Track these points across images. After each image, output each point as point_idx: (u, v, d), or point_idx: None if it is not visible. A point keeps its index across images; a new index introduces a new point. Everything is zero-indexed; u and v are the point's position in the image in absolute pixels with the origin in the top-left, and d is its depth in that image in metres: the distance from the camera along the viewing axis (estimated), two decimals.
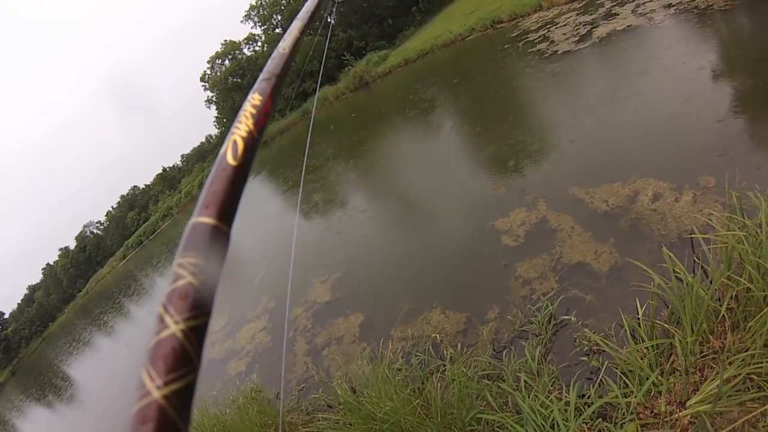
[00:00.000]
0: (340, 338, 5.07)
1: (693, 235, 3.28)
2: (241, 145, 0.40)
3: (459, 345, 3.75)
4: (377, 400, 2.87)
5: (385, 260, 6.21)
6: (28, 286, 68.20)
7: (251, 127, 0.43)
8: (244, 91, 39.46)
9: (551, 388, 2.71)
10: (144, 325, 17.05)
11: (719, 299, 2.58)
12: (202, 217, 0.34)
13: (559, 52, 8.78)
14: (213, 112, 45.30)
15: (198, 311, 0.29)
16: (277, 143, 31.35)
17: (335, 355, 4.79)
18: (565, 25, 10.33)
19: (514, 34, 12.90)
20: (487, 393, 2.71)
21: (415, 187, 8.00)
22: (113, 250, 58.36)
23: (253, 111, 0.45)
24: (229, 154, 0.39)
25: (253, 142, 0.42)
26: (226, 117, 44.22)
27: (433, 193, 7.18)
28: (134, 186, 69.98)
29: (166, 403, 0.25)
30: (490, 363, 3.20)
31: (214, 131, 52.32)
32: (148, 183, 67.62)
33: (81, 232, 67.62)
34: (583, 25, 9.42)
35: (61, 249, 66.32)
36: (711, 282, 2.57)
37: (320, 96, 29.21)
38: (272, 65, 0.54)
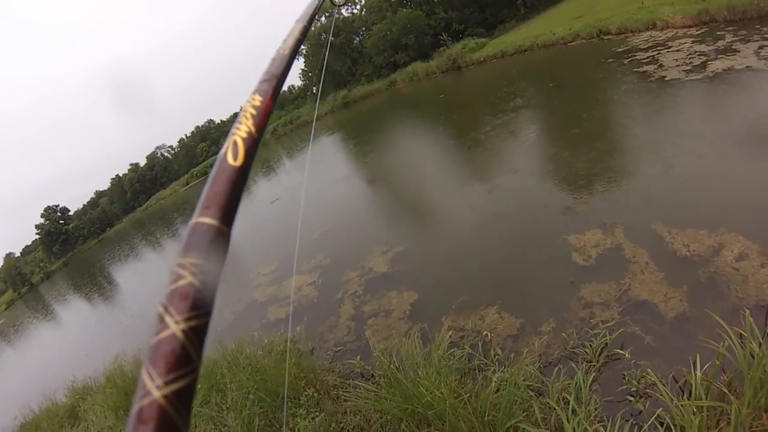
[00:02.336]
0: (389, 312, 5.17)
1: None
2: (241, 145, 0.41)
3: (508, 349, 3.78)
4: (427, 383, 2.92)
5: (451, 246, 6.24)
6: (96, 191, 72.65)
7: (251, 127, 0.43)
8: (336, 50, 39.62)
9: (593, 419, 2.72)
10: None
11: None
12: (203, 218, 0.34)
13: (666, 79, 8.38)
14: (300, 63, 45.75)
15: (198, 311, 0.29)
16: (358, 107, 31.60)
17: (380, 328, 4.90)
18: (677, 51, 9.81)
19: (620, 49, 12.38)
20: (535, 405, 2.74)
21: (491, 183, 7.94)
22: (178, 174, 61.44)
23: (254, 112, 0.45)
24: (229, 155, 0.40)
25: (253, 143, 0.42)
26: (312, 72, 44.56)
27: (510, 193, 7.13)
28: (210, 120, 72.52)
29: (166, 402, 0.25)
30: (537, 376, 3.22)
31: (297, 82, 53.02)
32: (224, 119, 69.80)
33: (153, 152, 70.99)
34: (698, 55, 8.90)
35: (131, 164, 70.14)
36: None
37: (409, 70, 29.11)
38: (273, 66, 0.55)
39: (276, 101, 0.50)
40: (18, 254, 63.00)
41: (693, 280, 3.74)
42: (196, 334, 0.28)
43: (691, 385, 2.63)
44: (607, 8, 17.49)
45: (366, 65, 37.77)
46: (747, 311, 2.86)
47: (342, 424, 3.42)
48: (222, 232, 0.34)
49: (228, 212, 0.35)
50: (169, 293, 0.29)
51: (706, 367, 2.70)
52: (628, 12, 14.72)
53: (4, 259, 56.90)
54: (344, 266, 6.74)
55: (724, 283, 3.58)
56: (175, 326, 0.28)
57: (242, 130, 0.43)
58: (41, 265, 55.56)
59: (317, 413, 3.57)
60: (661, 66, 9.23)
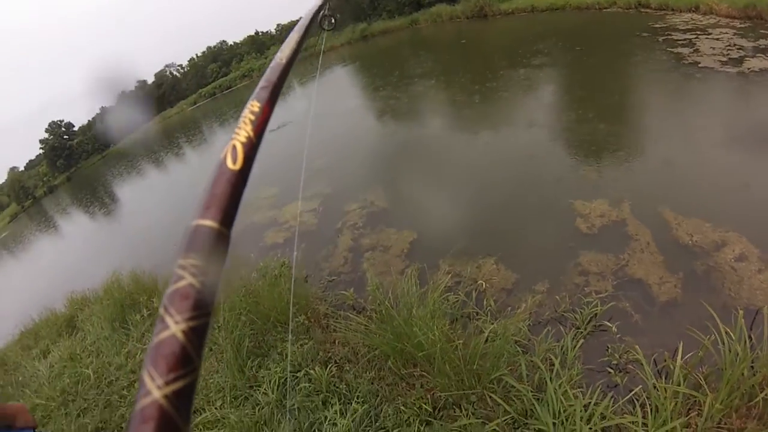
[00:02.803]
0: (387, 248, 5.23)
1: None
2: (240, 150, 0.42)
3: (501, 302, 3.87)
4: (421, 324, 2.99)
5: (455, 190, 6.28)
6: (102, 107, 70.90)
7: (250, 133, 0.44)
8: None
9: (574, 384, 2.81)
10: (193, 168, 17.76)
11: (762, 386, 2.57)
12: (204, 220, 0.35)
13: (700, 65, 8.16)
14: None
15: (199, 312, 0.29)
16: (376, 42, 30.79)
17: (377, 262, 4.97)
18: (716, 39, 9.49)
19: (657, 25, 11.99)
20: (522, 361, 2.83)
21: (502, 133, 7.90)
22: (186, 94, 60.37)
23: (252, 117, 0.46)
24: (228, 159, 0.40)
25: (252, 148, 0.43)
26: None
27: (521, 146, 7.11)
28: (223, 41, 70.29)
29: (167, 402, 0.26)
30: (525, 333, 3.31)
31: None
32: (237, 41, 67.76)
33: (161, 70, 69.14)
34: (737, 48, 8.60)
35: (139, 81, 68.32)
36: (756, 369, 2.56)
37: (433, 11, 28.18)
38: (270, 74, 0.57)
39: (273, 108, 0.51)
40: (22, 168, 62.58)
41: (690, 269, 3.79)
42: (196, 335, 0.28)
43: (671, 369, 2.71)
44: None
45: (389, 1, 36.33)
46: (740, 311, 2.92)
47: (330, 354, 3.51)
48: (222, 234, 0.34)
49: (228, 215, 0.36)
50: (170, 294, 0.30)
51: (688, 356, 2.77)
52: None
53: (8, 173, 56.76)
54: (346, 197, 6.77)
55: (720, 279, 3.62)
56: (175, 327, 0.28)
57: (241, 135, 0.44)
58: (45, 179, 55.41)
59: (306, 340, 3.67)
60: (696, 51, 8.96)
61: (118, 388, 4.11)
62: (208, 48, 69.13)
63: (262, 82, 0.54)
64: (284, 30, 60.53)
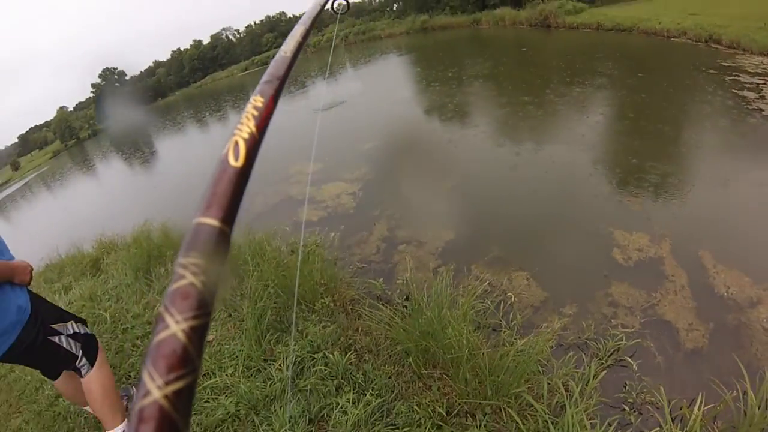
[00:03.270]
0: (421, 243, 5.28)
1: None
2: (242, 146, 0.41)
3: (527, 318, 3.90)
4: (453, 325, 3.04)
5: (496, 197, 6.34)
6: (155, 60, 72.53)
7: (253, 128, 0.44)
8: None
9: (589, 413, 2.84)
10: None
11: None
12: (205, 218, 0.35)
13: (764, 112, 7.96)
14: None
15: (199, 311, 0.29)
16: (435, 35, 30.67)
17: (409, 256, 5.03)
18: None
19: (725, 63, 11.66)
20: (544, 381, 2.87)
21: (549, 148, 7.85)
22: (239, 59, 61.28)
23: (255, 113, 0.46)
24: (230, 156, 0.40)
25: (254, 144, 0.42)
26: None
27: (566, 164, 7.04)
28: (282, 12, 70.72)
29: (167, 402, 0.26)
30: (547, 353, 3.34)
31: None
32: (297, 14, 68.14)
33: (218, 32, 70.29)
34: None
35: (194, 40, 69.70)
36: None
37: (497, 13, 27.82)
38: (274, 68, 0.55)
39: (277, 103, 0.51)
40: (71, 109, 63.93)
41: (721, 321, 3.74)
42: (196, 335, 0.29)
43: (687, 418, 2.72)
44: (726, 15, 16.25)
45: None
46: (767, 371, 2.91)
47: (351, 341, 3.54)
48: (223, 233, 0.34)
49: (229, 213, 0.36)
50: (170, 293, 0.30)
51: (706, 408, 2.77)
52: (747, 28, 13.65)
53: (57, 111, 58.00)
54: (387, 185, 6.83)
55: (749, 337, 3.56)
56: (175, 326, 0.28)
57: (244, 131, 0.43)
58: (91, 122, 56.54)
59: (329, 323, 3.71)
60: (762, 97, 8.68)
61: (132, 336, 4.17)
62: (267, 17, 69.87)
63: (265, 77, 0.53)
64: (320, 12, 61.21)
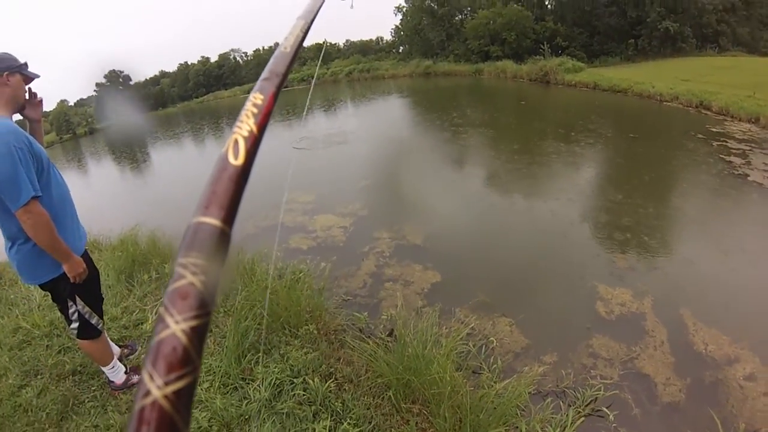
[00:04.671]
0: (408, 282, 5.34)
1: None
2: (242, 144, 0.41)
3: (508, 364, 3.93)
4: (438, 366, 3.07)
5: (485, 245, 6.44)
6: (161, 70, 73.05)
7: (252, 126, 0.43)
8: (435, 19, 38.86)
9: None
10: None
11: None
12: (204, 218, 0.34)
13: (748, 178, 8.18)
14: (396, 19, 45.20)
15: (199, 311, 0.29)
16: (437, 81, 31.47)
17: (395, 294, 5.07)
18: None
19: (714, 129, 12.04)
20: (522, 425, 2.91)
21: (538, 200, 8.03)
22: (244, 81, 61.80)
23: (255, 110, 0.45)
24: (230, 154, 0.40)
25: (254, 142, 0.42)
26: (405, 32, 43.91)
27: (555, 218, 7.18)
28: None
29: (167, 402, 0.26)
30: (525, 398, 3.37)
31: (387, 36, 52.38)
32: (305, 46, 69.70)
33: (226, 52, 71.00)
34: None
35: (202, 57, 70.44)
36: None
37: (499, 65, 28.65)
38: (274, 64, 0.54)
39: (277, 100, 0.50)
40: (71, 104, 64.33)
41: (698, 377, 3.80)
42: (196, 334, 0.29)
43: None
44: (717, 83, 16.89)
45: (459, 45, 37.04)
46: (742, 426, 2.98)
47: (332, 369, 3.52)
48: (223, 232, 0.34)
49: (229, 212, 0.35)
50: (170, 293, 0.30)
51: None
52: (737, 96, 14.18)
53: (57, 103, 58.22)
54: (379, 223, 6.92)
55: (725, 394, 3.63)
56: (175, 326, 0.28)
57: (243, 128, 0.43)
58: (89, 120, 56.79)
59: (311, 350, 3.68)
60: (748, 163, 8.98)
61: (109, 338, 4.14)
62: (276, 44, 70.76)
63: (264, 73, 0.52)
64: (352, 46, 61.77)
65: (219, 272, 0.32)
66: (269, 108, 0.47)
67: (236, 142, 0.41)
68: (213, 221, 0.34)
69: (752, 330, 4.33)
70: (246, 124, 0.43)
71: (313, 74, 43.06)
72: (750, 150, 9.98)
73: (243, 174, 0.39)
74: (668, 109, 15.84)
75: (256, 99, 0.47)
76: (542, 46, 29.16)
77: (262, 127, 0.44)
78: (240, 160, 0.40)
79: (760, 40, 30.01)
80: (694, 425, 3.24)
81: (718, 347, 4.12)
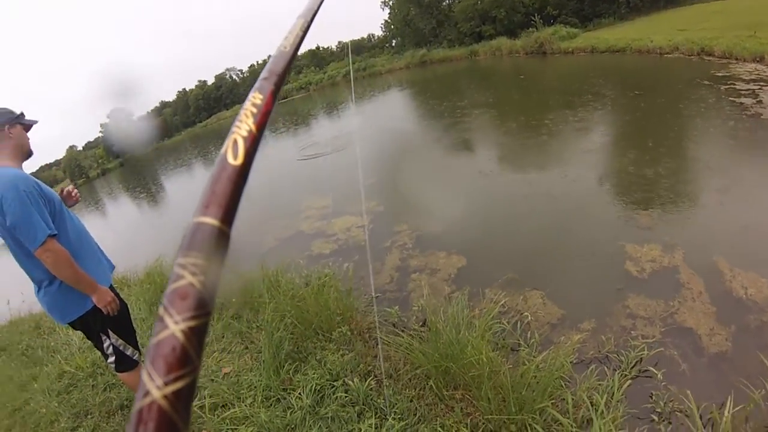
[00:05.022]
0: (434, 270, 5.30)
1: None
2: (241, 144, 0.40)
3: (545, 336, 3.87)
4: (472, 348, 3.03)
5: (506, 222, 6.40)
6: (161, 101, 73.95)
7: (251, 126, 0.43)
8: (423, 8, 38.79)
9: (617, 425, 2.80)
10: None
11: None
12: (204, 218, 0.34)
13: (762, 117, 8.00)
14: (384, 14, 45.26)
15: (198, 311, 0.29)
16: (434, 68, 31.41)
17: (423, 284, 5.03)
18: None
19: (719, 74, 11.81)
20: (567, 396, 2.85)
21: (554, 170, 7.91)
22: (242, 99, 61.91)
23: (254, 110, 0.45)
24: (229, 154, 0.39)
25: (253, 141, 0.42)
26: (395, 25, 43.95)
27: (573, 184, 7.11)
28: None
29: (166, 403, 0.26)
30: (569, 368, 3.30)
31: (378, 32, 52.41)
32: (299, 53, 69.81)
33: (222, 73, 71.81)
34: None
35: (199, 81, 71.34)
36: None
37: (493, 44, 28.48)
38: (273, 64, 0.54)
39: (276, 100, 0.49)
40: (80, 148, 65.39)
41: (742, 323, 3.70)
42: (195, 335, 0.29)
43: (717, 422, 2.69)
44: (715, 28, 16.59)
45: (450, 30, 37.02)
46: None
47: (370, 367, 3.53)
48: (222, 233, 0.34)
49: (228, 212, 0.35)
50: (169, 293, 0.30)
51: (736, 409, 2.74)
52: (738, 38, 13.90)
53: (67, 150, 59.40)
54: (397, 217, 6.90)
55: None
56: (174, 326, 0.28)
57: (242, 128, 0.43)
58: (99, 161, 57.77)
59: (347, 351, 3.71)
60: (760, 102, 8.77)
61: None
62: (269, 57, 71.33)
63: (264, 73, 0.52)
64: (344, 47, 61.90)
65: (218, 272, 0.32)
66: (268, 107, 0.47)
67: (235, 142, 0.41)
68: (212, 221, 0.34)
69: None
70: (245, 124, 0.43)
71: (311, 81, 43.30)
72: (759, 89, 9.76)
73: (242, 174, 0.39)
74: (670, 60, 15.57)
75: (255, 98, 0.47)
76: (534, 18, 28.94)
77: (261, 126, 0.44)
78: (239, 160, 0.39)
79: None
80: (745, 371, 3.13)
81: (758, 290, 4.01)
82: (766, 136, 7.40)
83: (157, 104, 73.23)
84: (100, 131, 61.51)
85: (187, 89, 71.41)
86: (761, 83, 10.20)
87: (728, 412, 2.67)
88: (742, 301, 3.93)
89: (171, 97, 73.62)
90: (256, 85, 0.50)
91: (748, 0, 20.23)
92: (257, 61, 70.53)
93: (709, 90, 10.66)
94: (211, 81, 71.09)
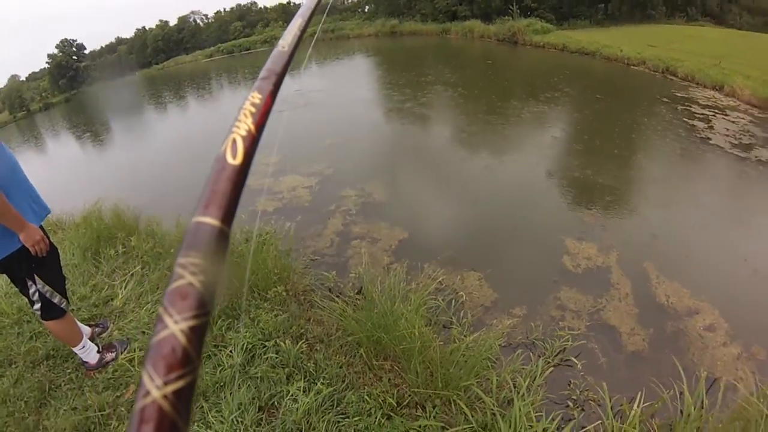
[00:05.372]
0: (375, 240, 5.30)
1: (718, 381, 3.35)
2: (240, 144, 0.41)
3: (477, 318, 3.97)
4: (406, 321, 3.06)
5: (452, 201, 6.45)
6: (117, 37, 69.16)
7: (251, 126, 0.43)
8: None
9: (536, 408, 2.90)
10: (191, 119, 17.64)
11: None
12: (203, 217, 0.34)
13: (710, 141, 8.34)
14: None
15: (198, 311, 0.29)
16: (404, 41, 31.07)
17: (362, 251, 5.02)
18: (732, 122, 9.65)
19: (679, 94, 12.23)
20: (492, 376, 2.92)
21: (505, 158, 8.10)
22: (204, 45, 59.36)
23: (253, 110, 0.45)
24: (228, 154, 0.39)
25: (252, 141, 0.42)
26: None
27: (522, 175, 7.30)
28: (254, 2, 69.21)
29: (166, 402, 0.26)
30: (496, 350, 3.38)
31: None
32: (268, 6, 66.60)
33: (186, 15, 67.65)
34: (749, 135, 8.77)
35: (161, 20, 66.86)
36: None
37: (466, 25, 28.41)
38: (272, 63, 0.54)
39: (275, 100, 0.49)
40: (23, 78, 60.75)
41: (660, 327, 3.92)
42: (195, 334, 0.29)
43: (626, 414, 2.83)
44: (683, 51, 17.08)
45: (426, 4, 36.43)
46: (704, 374, 3.08)
47: (303, 330, 3.50)
48: (222, 232, 0.34)
49: (228, 212, 0.35)
50: (169, 293, 0.30)
51: (644, 405, 2.90)
52: (703, 64, 14.40)
53: (8, 79, 54.83)
54: (344, 182, 6.85)
55: (686, 343, 3.76)
56: (174, 326, 0.28)
57: (241, 128, 0.43)
58: (43, 95, 53.80)
59: (281, 312, 3.66)
60: (711, 128, 9.15)
61: (79, 318, 3.92)
62: (237, 5, 68.13)
63: (263, 72, 0.52)
64: (319, 3, 60.30)
65: (218, 272, 0.32)
66: (267, 107, 0.47)
67: (234, 141, 0.41)
68: (212, 221, 0.34)
69: (712, 283, 4.48)
70: (244, 124, 0.43)
71: (277, 36, 41.95)
72: (713, 115, 10.16)
73: (241, 173, 0.39)
74: (635, 72, 15.97)
75: (254, 98, 0.47)
76: (511, 7, 28.92)
77: (260, 126, 0.44)
78: (238, 160, 0.39)
79: (728, 12, 30.46)
80: (658, 372, 3.33)
81: (679, 299, 4.24)
82: (710, 159, 7.76)
83: (113, 40, 69.13)
84: (47, 62, 57.22)
85: (147, 28, 67.66)
86: (715, 110, 10.61)
87: (637, 407, 2.84)
88: (663, 307, 4.16)
89: (129, 33, 69.65)
90: (255, 84, 0.50)
91: (720, 32, 21.01)
92: (224, 8, 67.52)
93: (666, 107, 11.02)
94: (173, 23, 67.56)
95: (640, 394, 2.96)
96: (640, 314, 4.08)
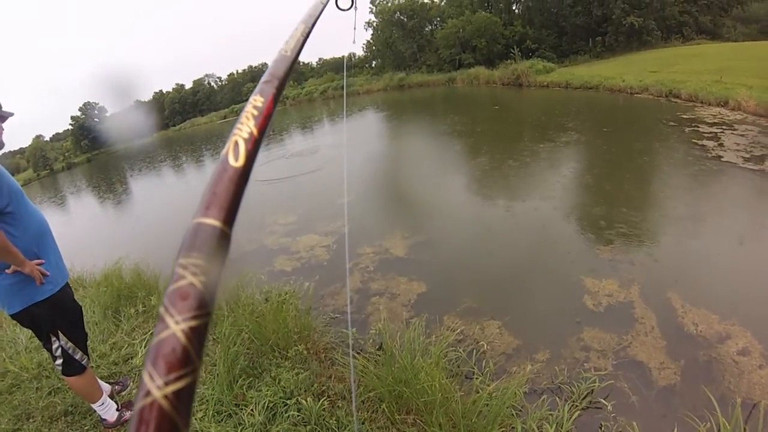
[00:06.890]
0: (394, 295, 5.30)
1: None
2: (242, 146, 0.41)
3: (500, 366, 3.89)
4: (426, 371, 3.05)
5: (469, 251, 6.42)
6: (136, 100, 72.52)
7: (253, 128, 0.43)
8: (405, 32, 39.45)
9: None
10: (208, 176, 18.06)
11: None
12: (205, 218, 0.34)
13: (722, 159, 8.29)
14: (367, 35, 45.56)
15: (199, 312, 0.29)
16: (412, 92, 31.84)
17: (382, 308, 5.02)
18: (741, 135, 9.64)
19: (685, 116, 12.26)
20: (517, 424, 2.86)
21: (519, 202, 8.06)
22: (219, 107, 61.77)
23: (255, 112, 0.45)
24: (230, 156, 0.40)
25: (254, 144, 0.42)
26: (377, 46, 44.44)
27: (536, 218, 7.23)
28: (265, 63, 71.74)
29: (167, 402, 0.26)
30: (521, 398, 3.33)
31: (360, 52, 52.70)
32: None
33: (200, 78, 70.87)
34: (760, 146, 8.73)
35: (177, 84, 70.15)
36: None
37: (471, 72, 29.02)
38: (274, 68, 0.55)
39: (277, 103, 0.50)
40: (47, 139, 63.51)
41: (692, 358, 3.80)
42: (196, 335, 0.29)
43: None
44: (684, 72, 17.23)
45: (431, 55, 37.70)
46: (738, 401, 2.97)
47: (324, 387, 3.47)
48: (223, 233, 0.34)
49: (229, 213, 0.36)
50: (170, 293, 0.30)
51: None
52: (705, 82, 14.50)
53: (33, 139, 57.48)
54: (362, 239, 6.88)
55: (720, 371, 3.63)
56: (175, 326, 0.28)
57: (243, 131, 0.43)
58: (66, 154, 56.11)
59: (302, 370, 3.64)
60: (721, 145, 9.12)
61: (99, 376, 4.02)
62: (249, 67, 70.46)
63: (265, 76, 0.53)
64: (325, 64, 62.07)
65: (219, 273, 0.32)
66: (269, 110, 0.47)
67: (236, 144, 0.41)
68: (213, 222, 0.34)
69: (740, 306, 4.35)
70: (246, 126, 0.44)
71: (288, 95, 43.10)
72: (722, 132, 10.14)
73: (243, 175, 0.39)
74: (639, 100, 16.09)
75: (256, 101, 0.47)
76: (513, 50, 29.73)
77: (262, 129, 0.44)
78: (240, 162, 0.40)
79: (723, 26, 30.83)
80: (692, 405, 3.21)
81: (708, 326, 4.13)
82: (725, 179, 7.67)
83: (132, 103, 71.93)
84: (71, 123, 59.61)
85: (164, 91, 70.44)
86: (723, 126, 10.60)
87: None
88: (693, 337, 4.04)
89: (147, 98, 72.42)
90: (257, 88, 0.50)
91: (717, 47, 21.15)
92: (237, 70, 70.08)
93: (674, 131, 11.05)
94: (189, 86, 70.24)
95: (674, 430, 2.87)
96: (669, 346, 3.96)
